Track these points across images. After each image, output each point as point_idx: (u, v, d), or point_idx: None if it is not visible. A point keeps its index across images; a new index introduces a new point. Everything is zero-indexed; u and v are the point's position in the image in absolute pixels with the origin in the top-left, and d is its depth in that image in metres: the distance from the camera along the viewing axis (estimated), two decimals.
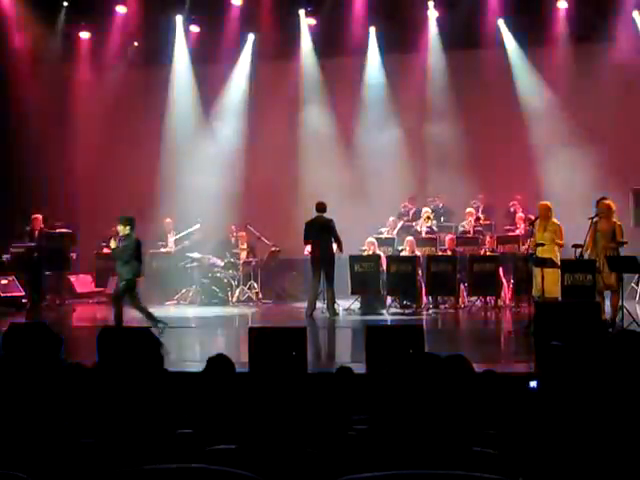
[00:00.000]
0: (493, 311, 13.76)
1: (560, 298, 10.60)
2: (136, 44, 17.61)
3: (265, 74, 17.49)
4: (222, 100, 17.77)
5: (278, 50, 17.07)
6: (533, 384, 4.36)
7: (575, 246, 10.77)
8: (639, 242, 11.86)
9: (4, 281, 14.65)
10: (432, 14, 16.65)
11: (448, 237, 14.64)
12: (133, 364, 2.89)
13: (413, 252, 14.18)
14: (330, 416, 2.94)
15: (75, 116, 17.72)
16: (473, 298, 14.11)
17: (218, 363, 4.16)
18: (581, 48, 16.01)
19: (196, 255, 15.73)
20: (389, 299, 14.06)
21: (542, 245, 10.90)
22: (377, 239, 14.68)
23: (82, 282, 16.35)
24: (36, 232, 14.96)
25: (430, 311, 13.62)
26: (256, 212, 16.53)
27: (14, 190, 16.50)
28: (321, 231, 13.26)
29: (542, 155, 16.01)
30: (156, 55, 17.65)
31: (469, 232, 15.35)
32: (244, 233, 16.02)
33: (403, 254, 14.26)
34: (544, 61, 16.41)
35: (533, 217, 11.86)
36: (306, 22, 17.28)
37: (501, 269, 13.90)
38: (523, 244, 14.15)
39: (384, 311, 13.65)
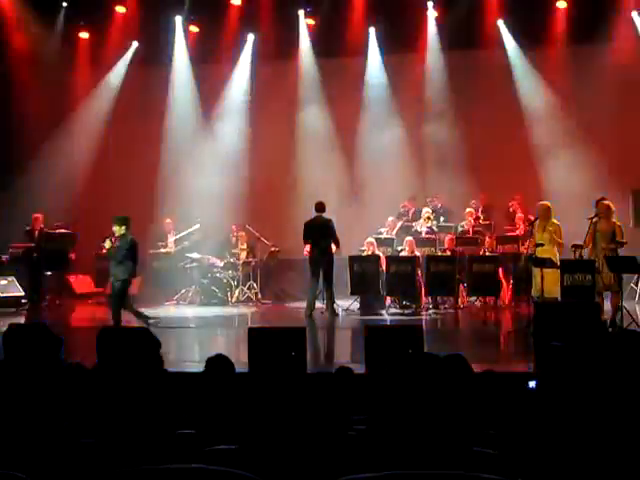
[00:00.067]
0: (492, 311, 13.76)
1: (560, 298, 10.60)
2: (136, 44, 17.62)
3: (264, 74, 17.49)
4: (222, 100, 17.76)
5: (277, 50, 17.08)
6: (532, 384, 4.37)
7: (574, 246, 10.77)
8: (638, 242, 11.86)
9: (4, 281, 14.64)
10: (431, 14, 16.65)
11: (447, 237, 14.63)
12: (132, 364, 2.89)
13: (413, 252, 14.18)
14: (330, 416, 2.94)
15: (75, 116, 17.71)
16: (472, 298, 14.12)
17: (217, 363, 4.16)
18: (580, 48, 16.01)
19: (195, 255, 15.73)
20: (388, 299, 14.06)
21: (541, 245, 10.90)
22: (376, 239, 14.67)
23: (81, 282, 16.35)
24: (36, 232, 14.96)
25: (430, 311, 13.62)
26: (256, 212, 16.53)
27: (14, 190, 16.50)
28: (320, 231, 13.26)
29: (542, 155, 16.01)
30: (155, 55, 17.64)
31: (468, 232, 15.35)
32: (244, 233, 16.03)
33: (403, 254, 14.26)
34: (543, 61, 16.41)
35: (532, 217, 11.86)
36: (305, 22, 17.28)
37: (501, 269, 13.91)
38: (523, 244, 14.15)
39: (383, 311, 13.64)
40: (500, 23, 16.54)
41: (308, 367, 7.59)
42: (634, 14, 15.86)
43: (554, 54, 16.24)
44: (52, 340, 3.36)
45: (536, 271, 10.86)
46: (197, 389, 3.86)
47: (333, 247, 13.38)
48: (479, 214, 15.90)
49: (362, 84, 17.32)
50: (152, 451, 2.68)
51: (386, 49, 17.21)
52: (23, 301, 14.53)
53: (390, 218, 15.68)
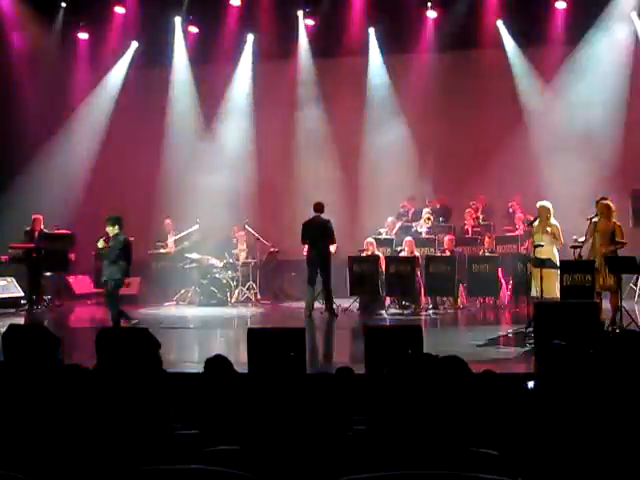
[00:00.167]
0: (492, 312, 13.77)
1: (559, 299, 10.59)
2: (136, 45, 17.63)
3: (264, 75, 17.51)
4: (221, 101, 17.76)
5: (277, 51, 17.11)
6: (531, 384, 4.36)
7: (574, 247, 10.76)
8: (638, 243, 11.86)
9: (3, 282, 14.64)
10: (431, 14, 16.65)
11: (447, 238, 14.63)
12: (131, 365, 2.89)
13: (412, 252, 14.18)
14: (329, 417, 2.94)
15: (75, 117, 17.70)
16: (472, 299, 14.12)
17: (216, 364, 4.16)
18: (579, 48, 16.01)
19: (195, 256, 15.73)
20: (388, 300, 14.06)
21: (541, 246, 10.89)
22: (376, 239, 14.68)
23: (81, 283, 16.35)
24: (36, 233, 14.96)
25: (429, 312, 13.62)
26: (255, 212, 16.54)
27: (14, 191, 16.50)
28: (318, 232, 13.26)
29: (541, 155, 16.00)
30: (155, 56, 17.64)
31: (468, 233, 15.36)
32: (243, 233, 16.02)
33: (402, 254, 14.26)
34: (543, 61, 16.42)
35: (532, 217, 11.85)
36: (305, 23, 17.28)
37: (500, 270, 13.90)
38: (522, 245, 14.16)
39: (383, 312, 13.64)
40: (499, 23, 16.54)
41: (307, 367, 7.59)
42: (633, 14, 15.86)
43: (553, 54, 16.25)
44: (50, 341, 3.36)
45: (535, 271, 10.85)
46: (196, 390, 3.86)
47: (331, 248, 13.38)
48: (479, 214, 15.91)
49: (362, 84, 17.32)
50: (151, 452, 2.68)
51: (386, 49, 17.23)
52: (22, 302, 14.54)
53: (390, 218, 15.68)
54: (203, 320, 13.55)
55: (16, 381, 3.15)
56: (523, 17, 15.87)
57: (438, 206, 16.20)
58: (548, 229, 11.06)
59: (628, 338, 3.15)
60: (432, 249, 14.74)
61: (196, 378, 4.15)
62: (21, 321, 12.84)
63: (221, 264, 15.60)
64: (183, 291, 15.64)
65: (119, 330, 7.31)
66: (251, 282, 15.67)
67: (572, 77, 15.97)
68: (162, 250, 16.37)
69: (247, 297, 15.49)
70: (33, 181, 16.59)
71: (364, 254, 14.32)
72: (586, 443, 2.56)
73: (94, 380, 2.97)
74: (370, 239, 14.52)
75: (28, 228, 15.02)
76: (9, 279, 14.74)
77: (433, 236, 15.10)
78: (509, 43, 16.63)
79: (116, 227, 10.99)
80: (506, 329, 11.39)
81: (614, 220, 10.70)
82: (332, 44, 16.87)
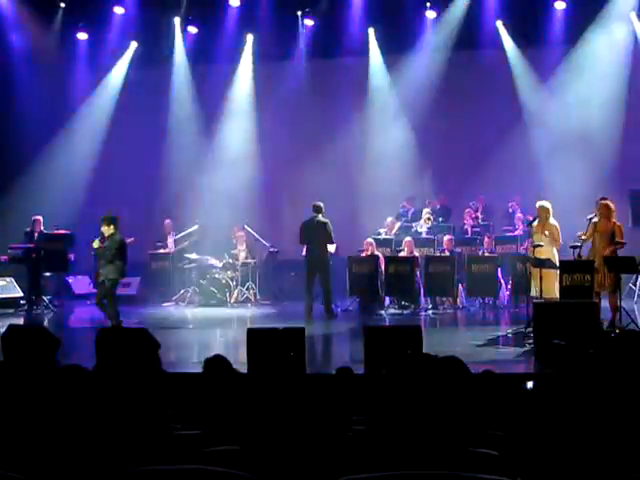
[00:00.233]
0: (491, 312, 13.76)
1: (558, 299, 10.59)
2: (135, 45, 17.63)
3: (264, 75, 17.52)
4: (221, 101, 17.75)
5: (276, 51, 17.11)
6: (529, 384, 4.37)
7: (573, 247, 10.75)
8: (637, 243, 11.86)
9: (2, 282, 14.64)
10: (430, 15, 16.64)
11: (446, 238, 14.63)
12: (131, 365, 2.89)
13: (411, 253, 14.18)
14: (329, 417, 2.94)
15: (75, 118, 17.70)
16: (471, 299, 14.13)
17: (215, 364, 4.15)
18: (578, 48, 16.02)
19: (194, 256, 15.73)
20: (387, 300, 14.06)
21: (540, 246, 10.88)
22: (375, 240, 14.68)
23: (80, 283, 16.35)
24: (36, 234, 14.96)
25: (428, 312, 13.62)
26: (254, 212, 16.53)
27: (14, 192, 16.51)
28: (316, 233, 13.26)
29: (541, 155, 16.01)
30: (155, 56, 17.64)
31: (467, 232, 15.37)
32: (243, 234, 16.01)
33: (401, 255, 14.26)
34: (542, 61, 16.42)
35: (531, 217, 11.85)
36: (304, 23, 17.27)
37: (499, 270, 13.90)
38: (521, 245, 14.16)
39: (382, 312, 13.64)
40: (499, 24, 16.54)
41: (307, 368, 7.59)
42: (632, 15, 15.86)
43: (552, 54, 16.26)
44: (49, 341, 3.36)
45: (535, 271, 10.85)
46: (195, 390, 3.86)
47: (330, 248, 13.38)
48: (478, 214, 15.91)
49: (362, 85, 17.32)
50: (150, 452, 2.68)
51: (385, 50, 17.23)
52: (22, 302, 14.54)
53: (389, 218, 15.69)
54: (202, 320, 13.54)
55: (15, 381, 3.15)
56: (522, 17, 15.88)
57: (438, 207, 16.21)
58: (546, 232, 11.04)
59: (627, 338, 3.15)
60: (431, 249, 14.74)
61: (195, 378, 4.15)
62: (20, 321, 12.86)
63: (220, 264, 15.60)
64: (182, 291, 15.64)
65: (119, 330, 7.31)
66: (250, 282, 15.66)
67: (571, 77, 15.98)
68: (161, 250, 16.37)
69: (246, 297, 15.48)
70: (34, 182, 16.60)
71: (364, 254, 14.33)
72: (586, 443, 2.56)
73: (93, 380, 2.97)
74: (370, 239, 14.52)
75: (28, 229, 15.03)
76: (8, 279, 14.74)
77: (432, 236, 15.11)
78: (508, 43, 16.63)
79: (111, 227, 10.98)
80: (505, 329, 11.39)
81: (614, 220, 10.70)
82: (331, 44, 16.87)
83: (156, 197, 17.02)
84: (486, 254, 14.35)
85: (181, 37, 17.73)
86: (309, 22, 17.20)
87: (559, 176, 15.26)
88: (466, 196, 16.02)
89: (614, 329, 9.91)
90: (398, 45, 16.86)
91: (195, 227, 16.18)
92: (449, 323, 13.02)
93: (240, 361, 7.24)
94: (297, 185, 17.07)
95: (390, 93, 17.29)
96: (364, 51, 17.27)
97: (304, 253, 13.52)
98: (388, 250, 14.77)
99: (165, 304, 15.34)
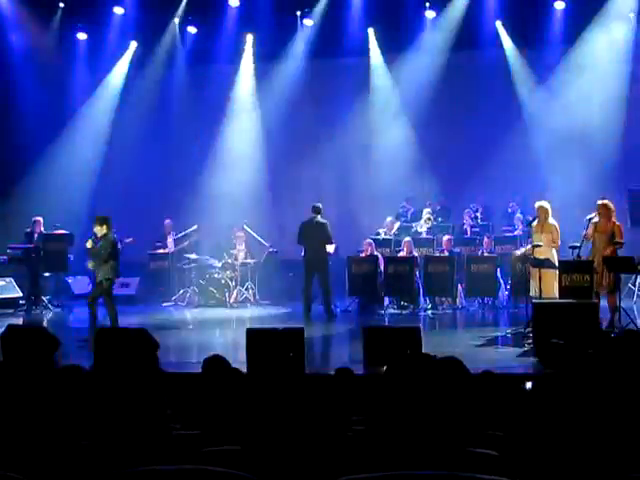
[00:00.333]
0: (491, 312, 13.76)
1: (558, 299, 10.58)
2: (135, 45, 17.63)
3: (263, 75, 17.52)
4: (220, 101, 17.73)
5: (276, 51, 17.11)
6: (528, 385, 4.37)
7: (572, 247, 10.75)
8: (636, 243, 11.86)
9: (2, 282, 14.64)
10: (429, 15, 16.65)
11: (445, 238, 14.63)
12: (129, 365, 2.88)
13: (410, 253, 14.18)
14: (329, 417, 2.94)
15: (76, 118, 17.69)
16: (471, 299, 14.13)
17: (214, 364, 4.15)
18: (578, 48, 16.02)
19: (193, 256, 15.72)
20: (387, 300, 14.06)
21: (539, 246, 10.88)
22: (375, 240, 14.68)
23: (80, 283, 16.33)
24: (36, 234, 14.96)
25: (428, 312, 13.62)
26: (254, 213, 16.52)
27: (13, 191, 16.50)
28: (315, 233, 13.26)
29: (540, 155, 16.01)
30: (154, 56, 17.63)
31: (467, 233, 15.38)
32: (242, 234, 16.00)
33: (401, 255, 14.26)
34: (542, 61, 16.41)
35: (531, 218, 11.84)
36: (303, 23, 17.26)
37: (499, 270, 13.90)
38: (521, 245, 14.14)
39: (382, 312, 13.65)
40: (498, 24, 16.54)
41: (306, 368, 7.58)
42: (631, 15, 15.85)
43: (552, 54, 16.26)
44: (49, 342, 3.36)
45: (534, 271, 10.85)
46: (195, 390, 3.86)
47: (329, 248, 13.38)
48: (477, 213, 15.92)
49: (361, 85, 17.31)
50: (149, 452, 2.68)
51: (384, 50, 17.23)
52: (21, 302, 14.54)
53: (389, 218, 15.69)
54: (202, 320, 13.54)
55: (14, 381, 3.15)
56: (522, 17, 15.88)
57: (439, 208, 16.22)
58: (548, 229, 11.03)
59: (627, 338, 3.15)
60: (431, 249, 14.73)
61: (195, 378, 4.15)
62: (20, 321, 12.85)
63: (220, 264, 15.59)
64: (182, 291, 15.63)
65: (117, 330, 7.30)
66: (250, 282, 15.66)
67: (570, 77, 15.97)
68: (161, 250, 16.37)
69: (246, 297, 15.48)
70: (34, 182, 16.59)
71: (363, 255, 14.33)
72: (585, 443, 2.56)
73: (91, 380, 2.97)
74: (369, 240, 14.53)
75: (28, 229, 15.04)
76: (8, 279, 14.73)
77: (432, 236, 15.11)
78: (508, 43, 16.63)
79: (104, 227, 10.97)
80: (505, 329, 11.40)
81: (614, 220, 10.69)
82: (331, 45, 16.86)
83: (156, 197, 17.00)
84: (485, 254, 14.35)
85: (180, 37, 17.72)
86: (308, 22, 17.19)
87: (558, 176, 15.26)
88: (466, 196, 16.02)
89: (613, 329, 9.92)
90: (397, 45, 16.85)
91: (194, 227, 16.18)
92: (448, 323, 13.02)
93: (239, 361, 7.23)
94: (297, 185, 17.06)
95: (390, 93, 17.28)
96: (364, 51, 17.26)
97: (303, 253, 13.52)
98: (387, 250, 14.77)
99: (164, 304, 15.33)
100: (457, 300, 13.99)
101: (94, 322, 10.89)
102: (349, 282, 14.15)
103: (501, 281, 14.00)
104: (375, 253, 14.27)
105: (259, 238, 16.00)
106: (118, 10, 16.89)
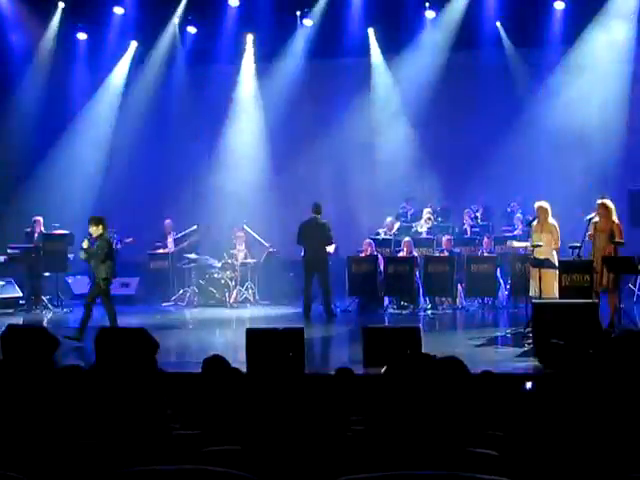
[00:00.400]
0: (490, 312, 13.76)
1: (558, 298, 10.58)
2: (135, 45, 17.63)
3: (263, 75, 17.53)
4: (220, 101, 17.73)
5: (275, 51, 17.11)
6: (528, 385, 4.37)
7: (572, 247, 10.74)
8: (636, 243, 11.86)
9: (1, 282, 14.64)
10: (429, 15, 16.64)
11: (445, 238, 14.63)
12: (128, 365, 2.88)
13: (410, 253, 14.18)
14: (328, 417, 2.94)
15: (77, 119, 17.69)
16: (470, 299, 14.13)
17: (213, 364, 4.15)
18: (577, 48, 16.02)
19: (193, 256, 15.72)
20: (387, 300, 14.06)
21: (539, 246, 10.88)
22: (375, 240, 14.68)
23: (79, 283, 16.33)
24: (36, 234, 14.96)
25: (427, 312, 13.62)
26: (254, 213, 16.52)
27: (13, 191, 16.50)
28: (315, 233, 13.25)
29: (540, 155, 16.00)
30: (154, 56, 17.62)
31: (467, 233, 15.38)
32: (242, 234, 16.00)
33: (400, 255, 14.27)
34: (541, 61, 16.42)
35: (530, 218, 11.83)
36: (303, 23, 17.26)
37: (498, 270, 13.90)
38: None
39: (382, 312, 13.64)
40: (498, 24, 16.54)
41: (306, 368, 7.58)
42: (631, 15, 15.85)
43: (552, 54, 16.26)
44: (49, 341, 3.36)
45: (534, 271, 10.85)
46: (194, 390, 3.86)
47: (329, 248, 13.38)
48: (477, 213, 15.92)
49: (361, 85, 17.30)
50: (149, 451, 2.68)
51: (384, 49, 17.23)
52: (21, 302, 14.53)
53: (388, 218, 15.69)
54: (202, 320, 13.54)
55: (14, 381, 3.15)
56: (522, 17, 15.88)
57: (439, 208, 16.22)
58: (548, 229, 11.03)
59: (627, 338, 3.15)
60: (431, 249, 14.73)
61: (195, 378, 4.15)
62: (20, 321, 12.84)
63: (220, 264, 15.59)
64: (181, 291, 15.63)
65: (118, 330, 7.30)
66: (250, 282, 15.65)
67: (570, 77, 15.97)
68: (160, 250, 16.36)
69: (246, 297, 15.48)
70: (34, 183, 16.59)
71: (363, 255, 14.33)
72: (585, 443, 2.55)
73: (91, 380, 2.97)
74: (369, 239, 14.53)
75: (28, 229, 15.03)
76: (8, 279, 14.73)
77: (432, 236, 15.11)
78: (508, 43, 16.63)
79: (100, 227, 10.97)
80: (504, 329, 11.40)
81: (613, 219, 10.67)
82: (331, 44, 16.86)
83: (156, 197, 17.00)
84: (485, 254, 14.35)
85: (180, 37, 17.72)
86: (308, 22, 17.18)
87: (558, 176, 15.26)
88: (466, 196, 16.02)
89: (613, 329, 9.91)
90: (397, 45, 16.86)
91: (194, 227, 16.18)
92: (448, 323, 13.02)
93: (239, 361, 7.23)
94: (297, 185, 17.06)
95: (390, 93, 17.28)
96: (364, 51, 17.25)
97: (303, 254, 13.51)
98: (387, 250, 14.77)
99: (164, 304, 15.33)
100: (457, 300, 13.99)
101: (85, 322, 10.87)
102: (349, 282, 14.15)
103: (501, 281, 14.00)
104: (375, 253, 14.27)
105: (259, 238, 16.00)
106: (118, 10, 16.88)
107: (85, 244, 11.11)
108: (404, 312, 13.56)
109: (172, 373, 5.11)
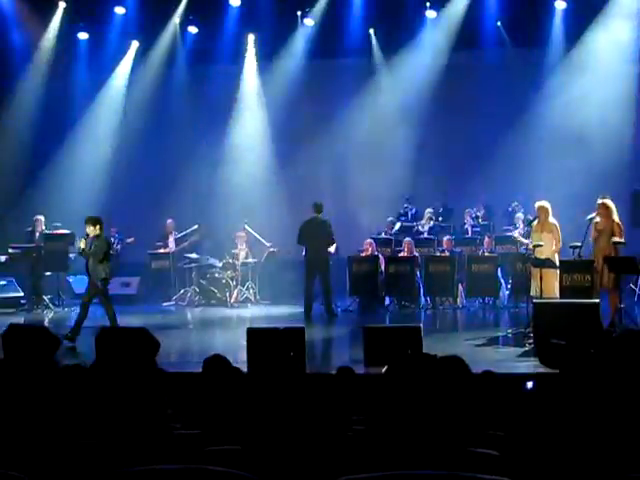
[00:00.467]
0: (491, 311, 13.76)
1: (559, 298, 10.57)
2: (136, 45, 17.64)
3: (264, 75, 17.54)
4: (221, 101, 17.73)
5: (276, 51, 17.11)
6: (529, 385, 4.36)
7: (573, 247, 10.73)
8: (637, 243, 11.85)
9: (2, 282, 14.65)
10: (430, 14, 16.65)
11: (445, 237, 14.63)
12: (128, 364, 2.88)
13: (411, 253, 14.19)
14: (329, 417, 2.94)
15: (75, 117, 17.70)
16: (471, 298, 14.13)
17: (214, 364, 4.15)
18: (579, 48, 16.02)
19: (194, 256, 15.72)
20: (387, 300, 14.06)
21: (540, 246, 10.87)
22: (375, 240, 14.68)
23: (80, 283, 16.33)
24: (37, 234, 14.97)
25: (428, 311, 13.62)
26: (255, 212, 16.53)
27: (13, 191, 16.51)
28: (317, 232, 13.24)
29: (541, 155, 16.00)
30: (155, 56, 17.63)
31: (468, 232, 15.38)
32: (243, 233, 16.00)
33: (401, 255, 14.27)
34: (543, 61, 16.41)
35: (531, 217, 11.82)
36: (304, 23, 17.26)
37: (499, 270, 13.90)
38: (521, 244, 14.12)
39: (383, 311, 13.64)
40: (499, 23, 16.54)
41: (307, 368, 7.58)
42: (632, 15, 15.85)
43: (553, 54, 16.26)
44: (50, 341, 3.36)
45: (535, 271, 10.84)
46: (195, 390, 3.86)
47: (331, 248, 13.38)
48: (478, 213, 15.92)
49: (361, 84, 17.31)
50: (149, 451, 2.68)
51: (385, 49, 17.23)
52: (22, 301, 14.54)
53: (389, 218, 15.68)
54: (202, 320, 13.54)
55: (15, 380, 3.15)
56: (522, 17, 15.88)
57: (441, 209, 16.22)
58: (548, 228, 11.02)
59: (628, 338, 3.15)
60: (431, 249, 14.74)
61: (195, 378, 4.15)
62: (21, 321, 12.84)
63: (220, 264, 15.59)
64: (182, 291, 15.63)
65: (119, 330, 7.29)
66: (250, 282, 15.65)
67: (571, 77, 15.97)
68: (161, 250, 16.37)
69: (246, 297, 15.48)
70: (34, 183, 16.60)
71: (364, 254, 14.33)
72: (586, 443, 2.55)
73: (92, 379, 2.97)
74: (370, 239, 14.53)
75: (29, 229, 15.04)
76: (9, 279, 14.74)
77: (433, 236, 15.11)
78: (508, 43, 16.63)
79: (97, 227, 10.97)
80: (505, 329, 11.39)
81: (614, 218, 10.66)
82: (331, 44, 16.87)
83: (157, 197, 17.01)
84: (486, 254, 14.34)
85: (181, 37, 17.72)
86: (309, 22, 17.19)
87: (559, 176, 15.25)
88: (466, 196, 16.02)
89: (614, 329, 9.90)
90: (398, 45, 16.86)
91: (195, 227, 16.18)
92: (449, 323, 13.02)
93: (240, 361, 7.23)
94: (297, 185, 17.06)
95: (390, 93, 17.28)
96: (365, 51, 17.26)
97: (304, 253, 13.51)
98: (388, 250, 14.77)
99: (165, 304, 15.34)
100: (458, 300, 13.99)
101: (80, 322, 10.86)
102: (350, 282, 14.15)
103: (502, 281, 13.99)
104: (376, 253, 14.28)
105: (260, 238, 16.00)
106: (119, 10, 16.89)
107: (82, 244, 11.11)
108: (405, 312, 13.56)
109: (173, 373, 5.11)
